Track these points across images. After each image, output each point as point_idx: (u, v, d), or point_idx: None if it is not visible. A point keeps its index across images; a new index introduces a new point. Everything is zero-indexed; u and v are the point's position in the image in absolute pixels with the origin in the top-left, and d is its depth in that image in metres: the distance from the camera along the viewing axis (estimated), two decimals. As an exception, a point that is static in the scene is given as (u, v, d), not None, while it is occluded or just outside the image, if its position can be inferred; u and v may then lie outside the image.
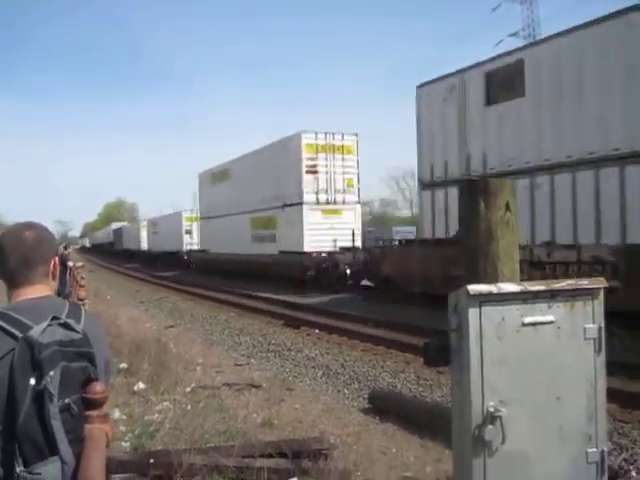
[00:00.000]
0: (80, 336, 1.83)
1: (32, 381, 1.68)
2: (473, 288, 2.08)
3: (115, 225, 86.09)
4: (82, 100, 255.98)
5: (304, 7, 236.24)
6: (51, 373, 1.69)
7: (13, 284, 1.95)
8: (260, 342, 13.07)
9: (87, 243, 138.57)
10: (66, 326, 1.81)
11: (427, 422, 6.39)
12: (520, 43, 57.84)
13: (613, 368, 7.87)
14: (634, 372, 8.18)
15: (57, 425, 1.68)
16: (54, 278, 2.07)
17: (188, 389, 8.14)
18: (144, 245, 60.32)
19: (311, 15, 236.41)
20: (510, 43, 60.67)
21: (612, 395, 7.04)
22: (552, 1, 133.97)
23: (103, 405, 1.79)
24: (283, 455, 5.07)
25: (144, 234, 60.53)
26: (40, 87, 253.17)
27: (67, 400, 1.72)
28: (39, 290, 1.96)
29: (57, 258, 2.08)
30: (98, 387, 1.78)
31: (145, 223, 62.48)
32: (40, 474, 1.66)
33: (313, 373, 10.13)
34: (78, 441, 1.72)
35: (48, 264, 2.02)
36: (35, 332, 1.72)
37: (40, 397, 1.67)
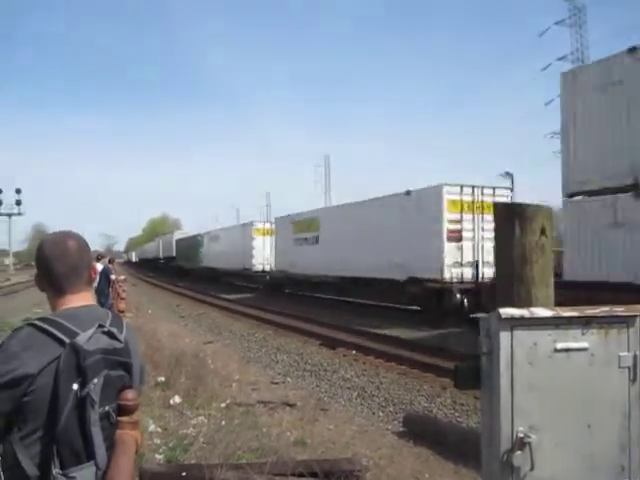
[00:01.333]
0: (122, 345, 1.88)
1: (75, 387, 1.72)
2: (505, 311, 2.06)
3: (179, 235, 68.33)
4: (130, 116, 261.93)
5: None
6: (95, 380, 1.74)
7: (60, 292, 1.98)
8: (297, 361, 13.07)
9: (133, 257, 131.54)
10: (110, 335, 1.86)
11: (462, 448, 6.30)
12: (568, 66, 57.47)
13: None
14: None
15: (96, 431, 1.72)
16: (92, 283, 2.12)
17: (223, 405, 8.20)
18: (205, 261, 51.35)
19: (357, 38, 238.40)
20: (558, 67, 60.25)
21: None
22: (602, 25, 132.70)
23: (134, 412, 1.83)
24: (314, 475, 5.05)
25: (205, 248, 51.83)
26: (93, 103, 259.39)
27: (107, 408, 1.77)
28: (84, 298, 2.01)
29: (94, 264, 2.15)
30: (130, 394, 1.82)
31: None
32: (75, 478, 1.70)
33: (348, 394, 10.09)
34: (110, 446, 1.76)
35: (89, 271, 2.07)
36: (81, 339, 1.77)
37: (82, 403, 1.72)
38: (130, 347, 1.94)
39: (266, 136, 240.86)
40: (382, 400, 9.58)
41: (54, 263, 1.98)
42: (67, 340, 1.77)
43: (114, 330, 1.88)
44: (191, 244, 56.57)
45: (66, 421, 1.70)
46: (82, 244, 2.07)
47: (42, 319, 1.85)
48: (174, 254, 65.43)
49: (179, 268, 60.97)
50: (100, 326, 1.85)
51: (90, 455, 1.72)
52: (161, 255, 76.79)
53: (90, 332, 1.80)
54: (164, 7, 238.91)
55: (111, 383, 1.80)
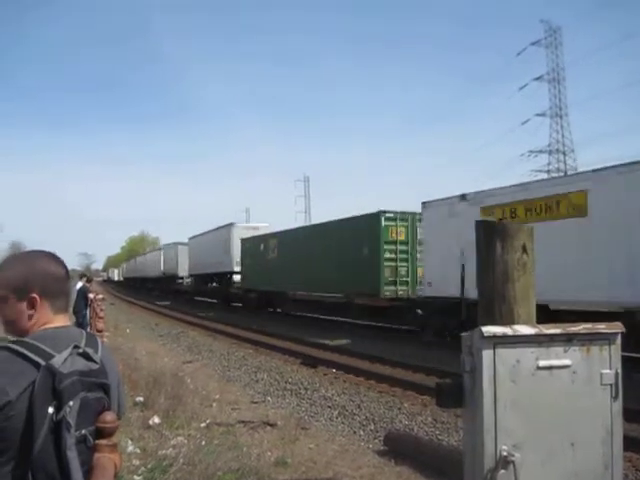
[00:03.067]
0: (98, 366, 1.84)
1: (50, 410, 1.67)
2: (487, 329, 2.06)
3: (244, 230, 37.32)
4: (109, 134, 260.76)
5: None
6: (70, 403, 1.69)
7: (52, 310, 1.92)
8: (277, 380, 12.99)
9: (115, 275, 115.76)
10: (86, 356, 1.82)
11: (443, 466, 6.28)
12: (545, 86, 58.23)
13: (636, 415, 7.76)
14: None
15: (72, 456, 1.68)
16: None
17: (203, 425, 8.11)
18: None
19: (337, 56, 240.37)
20: (535, 86, 61.06)
21: (635, 444, 6.92)
22: (577, 45, 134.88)
23: (113, 435, 1.79)
24: (295, 495, 5.01)
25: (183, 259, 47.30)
26: (70, 120, 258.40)
27: (84, 431, 1.73)
28: (63, 319, 1.97)
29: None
30: (108, 417, 1.79)
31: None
32: None
33: (329, 413, 10.03)
34: (88, 470, 1.72)
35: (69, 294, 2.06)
36: (56, 361, 1.72)
37: (58, 427, 1.67)
38: (106, 367, 1.90)
39: (246, 150, 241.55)
40: (363, 419, 9.53)
41: (53, 279, 1.93)
42: (42, 362, 1.73)
43: (90, 351, 1.85)
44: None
45: (42, 446, 1.65)
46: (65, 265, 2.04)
47: (16, 342, 1.79)
48: (233, 267, 35.59)
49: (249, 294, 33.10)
50: (75, 347, 1.81)
51: None
52: (178, 271, 50.21)
53: (65, 354, 1.75)
54: (145, 23, 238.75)
55: (88, 406, 1.76)
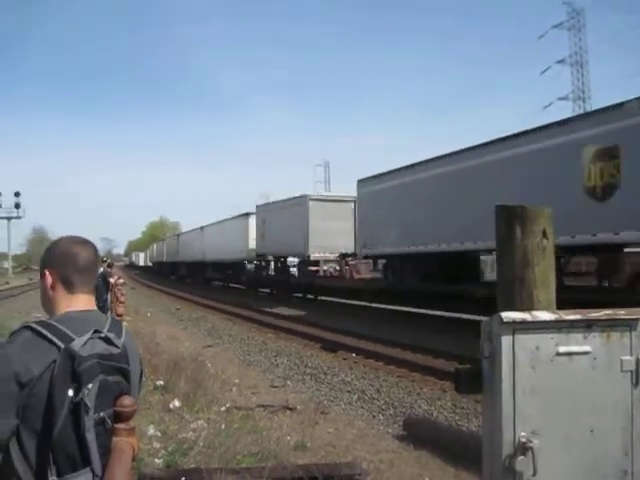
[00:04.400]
0: (119, 351, 1.86)
1: (70, 392, 1.70)
2: (507, 315, 2.04)
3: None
4: (130, 120, 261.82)
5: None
6: (89, 386, 1.72)
7: (71, 290, 1.98)
8: (297, 364, 13.04)
9: (141, 260, 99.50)
10: (107, 340, 1.85)
11: (462, 452, 6.28)
12: (567, 69, 57.46)
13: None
14: None
15: (91, 438, 1.70)
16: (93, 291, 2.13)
17: (223, 409, 8.17)
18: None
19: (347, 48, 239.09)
20: (558, 70, 60.28)
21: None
22: (604, 67, 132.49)
23: (131, 418, 1.81)
24: (314, 479, 5.03)
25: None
26: (89, 106, 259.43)
27: (102, 414, 1.75)
28: (88, 302, 2.01)
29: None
30: (127, 401, 1.80)
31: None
32: None
33: (348, 397, 10.06)
34: (106, 453, 1.74)
35: (96, 279, 2.12)
36: (76, 344, 1.76)
37: (77, 409, 1.70)
38: (128, 353, 1.92)
39: (265, 136, 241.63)
40: (382, 403, 9.55)
41: (74, 259, 1.99)
42: (62, 345, 1.75)
43: (111, 336, 1.87)
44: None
45: (62, 427, 1.68)
46: (97, 251, 2.11)
47: (39, 322, 1.84)
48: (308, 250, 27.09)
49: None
50: (96, 331, 1.84)
51: (86, 461, 1.70)
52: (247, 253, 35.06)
53: (85, 337, 1.78)
54: (160, 7, 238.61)
55: (107, 389, 1.78)
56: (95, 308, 2.06)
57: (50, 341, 1.77)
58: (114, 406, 1.80)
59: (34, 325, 1.81)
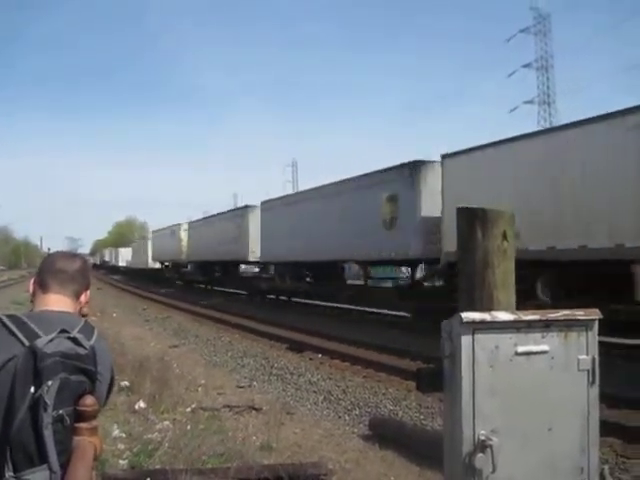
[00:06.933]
0: (86, 352, 1.86)
1: (32, 389, 1.71)
2: (466, 315, 2.09)
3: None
4: (95, 118, 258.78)
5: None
6: (49, 383, 1.72)
7: (43, 288, 2.09)
8: (263, 365, 13.03)
9: (120, 259, 76.47)
10: (74, 340, 1.85)
11: (427, 451, 6.34)
12: (533, 73, 58.21)
13: (617, 402, 7.86)
14: (638, 406, 8.10)
15: (48, 434, 1.70)
16: (80, 308, 2.18)
17: (189, 409, 8.13)
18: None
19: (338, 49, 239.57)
20: (524, 73, 61.06)
21: (615, 429, 7.01)
22: (566, 34, 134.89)
23: (93, 418, 1.81)
24: (280, 479, 5.04)
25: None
26: (59, 105, 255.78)
27: (61, 411, 1.74)
28: (64, 303, 2.07)
29: (88, 293, 2.24)
30: (89, 400, 1.80)
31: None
32: None
33: (314, 398, 10.07)
34: (68, 452, 1.73)
35: (80, 287, 2.18)
36: (41, 342, 1.77)
37: (36, 405, 1.70)
38: (97, 357, 1.91)
39: (234, 138, 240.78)
40: (348, 404, 9.58)
41: (50, 264, 2.15)
42: (26, 341, 1.76)
43: (79, 336, 1.87)
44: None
45: (20, 423, 1.69)
46: (84, 262, 2.25)
47: (9, 316, 1.89)
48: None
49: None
50: (63, 331, 1.84)
51: (43, 458, 1.70)
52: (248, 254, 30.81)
53: (51, 336, 1.79)
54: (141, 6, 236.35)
55: (69, 387, 1.78)
56: (71, 311, 2.09)
57: (15, 336, 1.80)
58: (76, 405, 1.79)
59: (3, 317, 1.87)
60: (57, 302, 2.05)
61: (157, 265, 53.92)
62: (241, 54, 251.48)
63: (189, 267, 44.91)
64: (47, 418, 1.71)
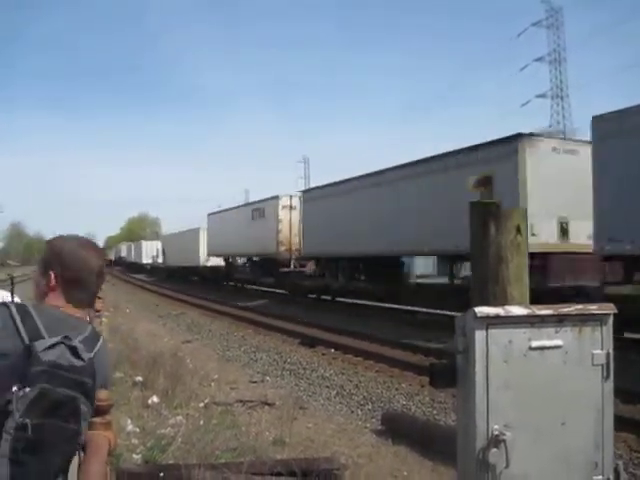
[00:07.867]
0: (83, 364, 1.79)
1: (14, 388, 1.67)
2: (480, 310, 2.08)
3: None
4: (109, 116, 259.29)
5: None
6: (26, 389, 1.67)
7: (68, 292, 1.99)
8: (275, 360, 13.06)
9: (144, 255, 63.40)
10: (73, 350, 1.78)
11: (440, 446, 6.33)
12: (546, 68, 57.86)
13: (633, 397, 7.81)
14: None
15: (5, 438, 1.65)
16: (91, 314, 2.11)
17: (202, 404, 8.15)
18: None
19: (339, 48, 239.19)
20: (536, 67, 60.70)
21: (630, 425, 6.97)
22: (579, 27, 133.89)
23: (107, 412, 1.81)
24: (293, 474, 5.04)
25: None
26: (72, 103, 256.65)
27: (26, 420, 1.66)
28: (77, 310, 1.99)
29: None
30: (102, 394, 1.80)
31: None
32: None
33: (327, 393, 10.09)
34: (21, 464, 1.65)
35: (99, 289, 2.10)
36: (40, 344, 1.72)
37: (7, 406, 1.66)
38: (96, 367, 1.86)
39: (245, 134, 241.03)
40: (361, 398, 9.59)
41: (79, 261, 2.01)
42: (27, 340, 1.74)
43: (80, 347, 1.80)
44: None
45: None
46: (104, 255, 2.23)
47: (19, 306, 1.84)
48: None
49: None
50: (66, 338, 1.78)
51: None
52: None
53: (53, 340, 1.74)
54: (141, 6, 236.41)
55: (46, 399, 1.70)
56: (81, 316, 2.01)
57: (18, 330, 1.76)
58: (53, 419, 1.71)
59: (12, 308, 1.81)
60: (74, 309, 1.98)
61: (213, 262, 39.30)
62: (241, 54, 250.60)
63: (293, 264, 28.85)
64: (11, 422, 1.65)
